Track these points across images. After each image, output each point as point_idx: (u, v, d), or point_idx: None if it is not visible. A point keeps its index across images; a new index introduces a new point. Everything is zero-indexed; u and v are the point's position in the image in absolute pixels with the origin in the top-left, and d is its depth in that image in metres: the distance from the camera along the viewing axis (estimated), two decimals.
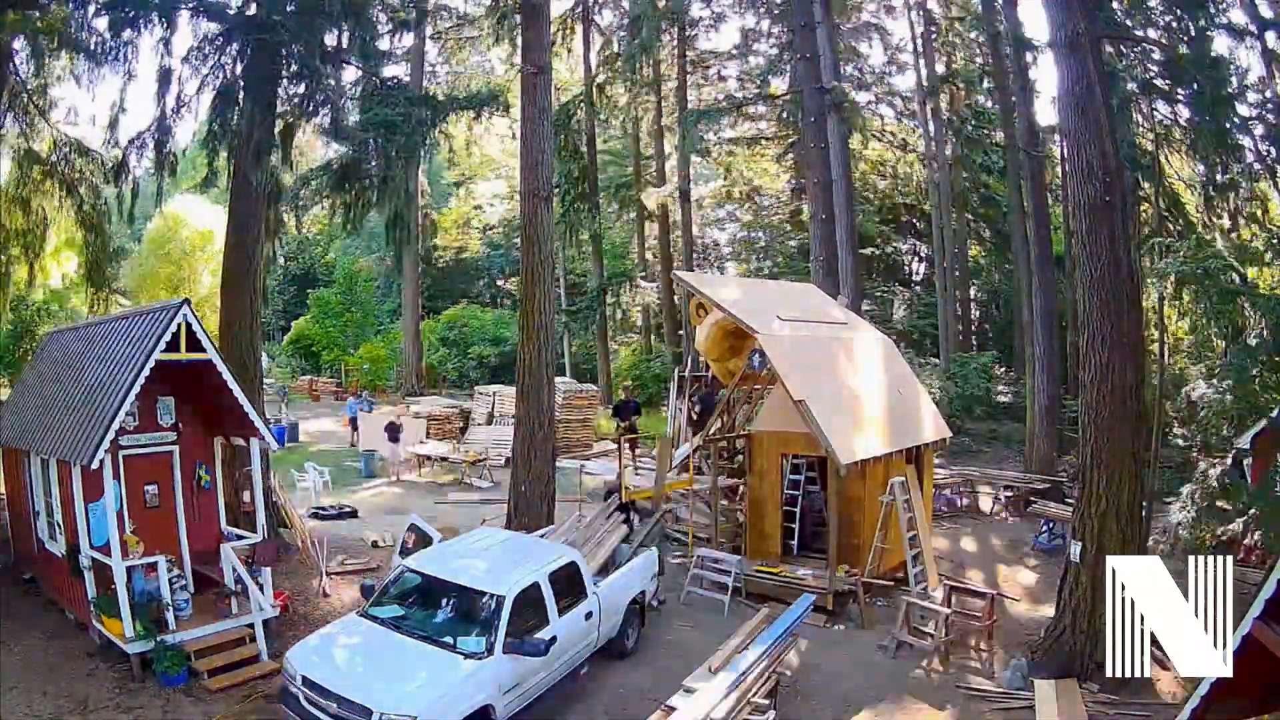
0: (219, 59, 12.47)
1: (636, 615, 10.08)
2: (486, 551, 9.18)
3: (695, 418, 17.36)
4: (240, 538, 10.23)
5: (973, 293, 35.60)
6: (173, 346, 9.24)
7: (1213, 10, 13.68)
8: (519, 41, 14.62)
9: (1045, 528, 14.97)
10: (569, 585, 8.74)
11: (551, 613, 8.22)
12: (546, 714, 8.19)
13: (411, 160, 13.91)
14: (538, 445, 13.01)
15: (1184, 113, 17.10)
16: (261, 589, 9.59)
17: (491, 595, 7.82)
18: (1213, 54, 12.86)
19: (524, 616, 7.89)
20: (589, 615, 8.85)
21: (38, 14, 11.61)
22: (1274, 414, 11.30)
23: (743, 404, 14.28)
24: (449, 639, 7.52)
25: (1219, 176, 15.84)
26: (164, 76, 12.65)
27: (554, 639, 7.88)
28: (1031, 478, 18.42)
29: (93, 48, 12.41)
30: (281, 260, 39.73)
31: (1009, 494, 17.67)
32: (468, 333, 38.62)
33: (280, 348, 40.81)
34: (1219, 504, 11.16)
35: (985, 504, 18.13)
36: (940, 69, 28.45)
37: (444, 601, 8.22)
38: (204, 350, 9.56)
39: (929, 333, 32.51)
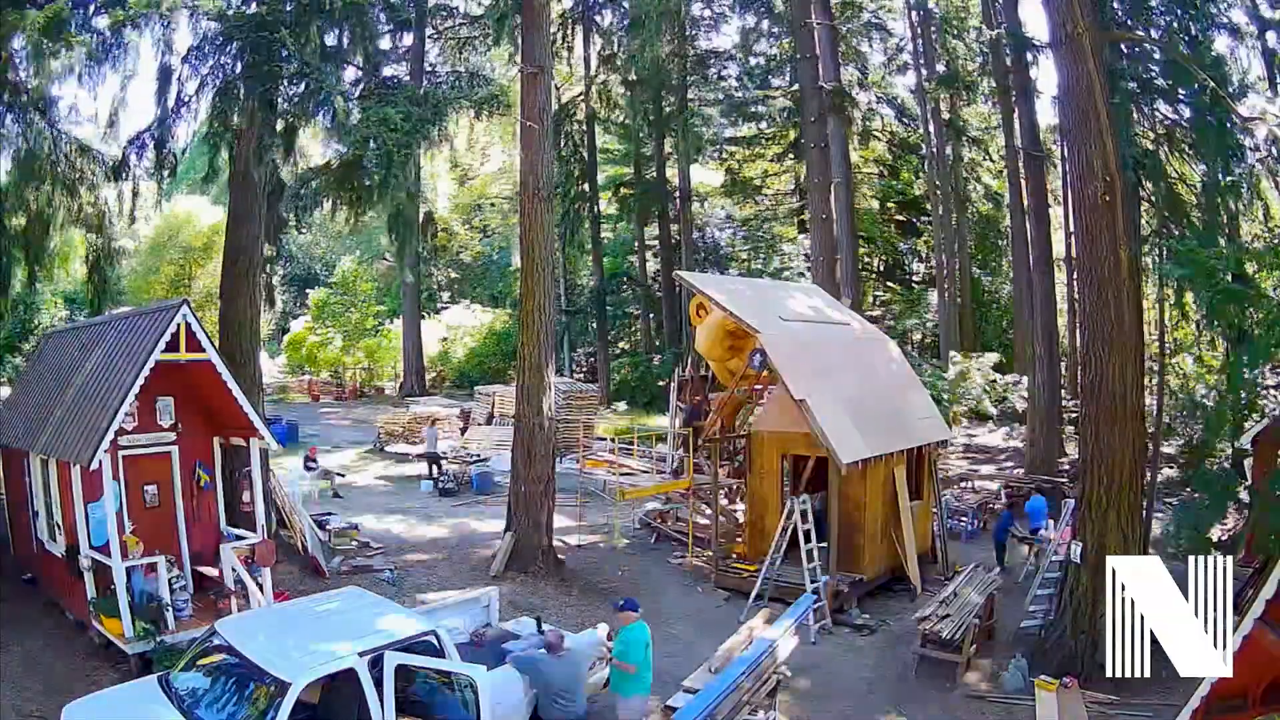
0: (219, 58, 12.47)
1: None
2: (315, 621, 7.20)
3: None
4: (240, 538, 10.22)
5: (973, 293, 35.55)
6: (172, 346, 9.24)
7: (1213, 10, 13.68)
8: (519, 41, 14.59)
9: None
10: (419, 672, 6.68)
11: (377, 711, 6.17)
12: None
13: (411, 160, 13.89)
14: (538, 446, 13.00)
15: (1185, 112, 17.10)
16: (261, 589, 9.57)
17: (274, 680, 5.97)
18: (1213, 54, 12.85)
19: (327, 712, 6.32)
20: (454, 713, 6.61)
21: (37, 12, 11.58)
22: (1275, 414, 11.30)
23: (742, 405, 14.28)
24: None
25: (1220, 176, 15.82)
26: (164, 75, 12.66)
27: None
28: (1032, 478, 18.41)
29: (93, 46, 12.39)
30: (282, 260, 39.66)
31: (1010, 494, 17.65)
32: (467, 333, 38.62)
33: (280, 348, 40.83)
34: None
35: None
36: (941, 69, 28.44)
37: (236, 680, 6.43)
38: (203, 350, 9.56)
39: (929, 333, 32.50)
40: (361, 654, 6.32)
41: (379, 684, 6.20)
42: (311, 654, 6.28)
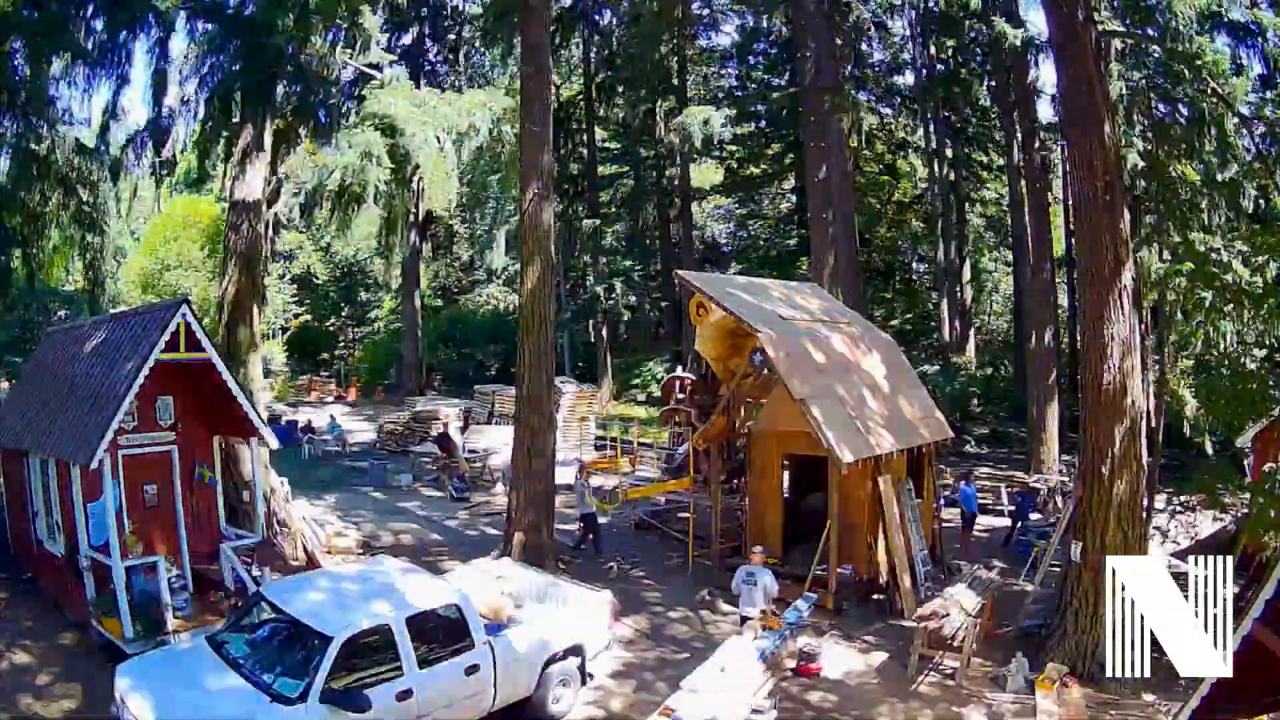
0: (217, 59, 12.48)
1: (569, 675, 8.39)
2: (352, 584, 7.99)
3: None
4: (239, 537, 10.23)
5: (973, 292, 35.57)
6: (172, 346, 9.25)
7: (1215, 8, 13.68)
8: (519, 41, 14.60)
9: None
10: (444, 632, 7.48)
11: (408, 662, 7.05)
12: None
13: (409, 160, 13.93)
14: (537, 445, 12.99)
15: (1184, 111, 17.09)
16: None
17: (319, 635, 6.79)
18: (1213, 53, 12.86)
19: (364, 664, 6.89)
20: (473, 669, 7.47)
21: (37, 14, 11.59)
22: (1275, 414, 11.30)
23: (742, 404, 14.26)
24: (268, 678, 6.69)
25: (1219, 175, 15.83)
26: (161, 76, 12.66)
27: (407, 692, 6.93)
28: (1032, 477, 18.41)
29: (91, 47, 12.39)
30: (281, 260, 39.68)
31: (1012, 494, 17.66)
32: (467, 332, 38.61)
33: (279, 347, 40.81)
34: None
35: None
36: (941, 68, 28.42)
37: (281, 637, 7.26)
38: (203, 350, 9.57)
39: (929, 332, 32.49)
40: (394, 612, 7.17)
41: (423, 638, 7.16)
42: (350, 613, 7.09)
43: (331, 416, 25.37)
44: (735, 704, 7.41)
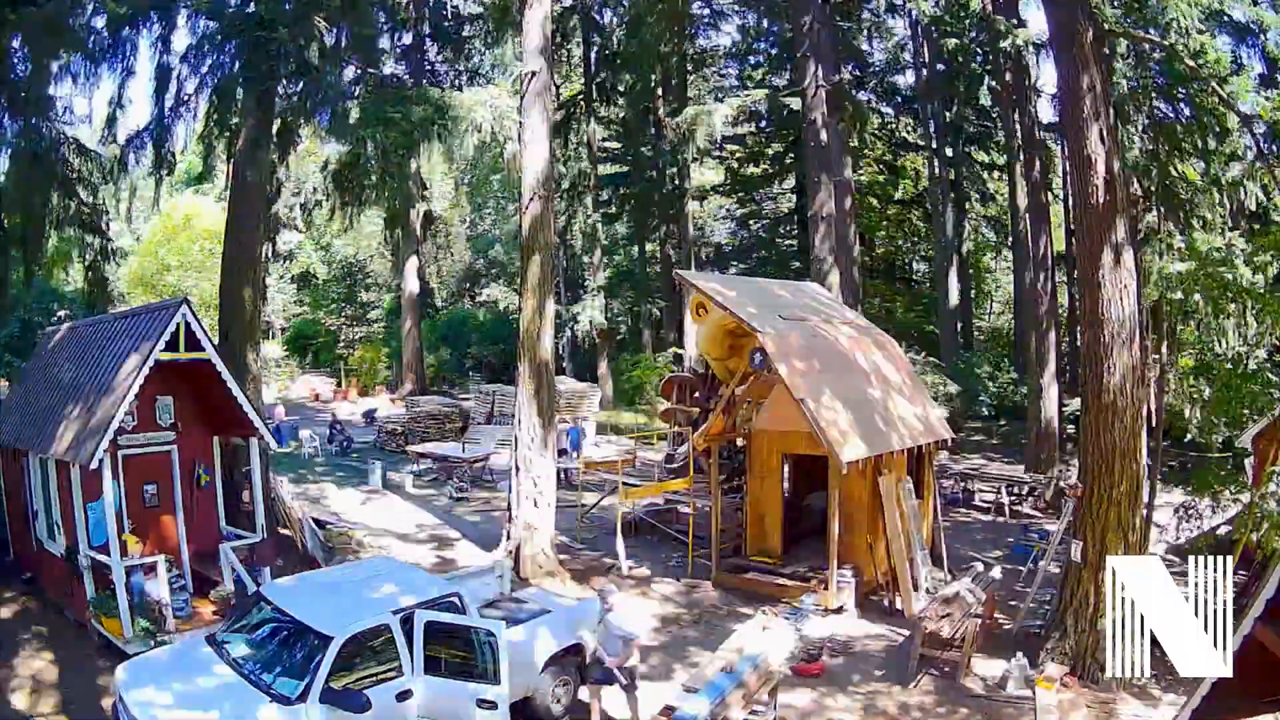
0: (218, 57, 12.47)
1: (568, 674, 8.47)
2: (352, 583, 8.03)
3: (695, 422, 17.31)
4: (239, 537, 10.23)
5: (974, 291, 35.53)
6: (172, 346, 9.26)
7: (1217, 7, 13.66)
8: (519, 40, 14.56)
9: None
10: (446, 631, 7.31)
11: (407, 662, 7.05)
12: None
13: (410, 158, 13.90)
14: (537, 444, 12.98)
15: (1184, 111, 17.09)
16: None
17: (319, 635, 6.79)
18: (1214, 52, 12.84)
19: (364, 663, 6.91)
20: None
21: (35, 12, 11.57)
22: (1276, 413, 11.29)
23: (742, 404, 14.25)
24: (268, 678, 6.71)
25: (1220, 174, 15.82)
26: (162, 75, 12.64)
27: (407, 693, 6.95)
28: (1032, 477, 18.42)
29: (91, 46, 12.39)
30: (281, 260, 39.67)
31: (1012, 493, 17.67)
32: (467, 332, 38.60)
33: (280, 346, 40.84)
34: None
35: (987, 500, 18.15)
36: (941, 67, 28.40)
37: (281, 637, 7.23)
38: (203, 349, 9.57)
39: (930, 332, 32.47)
40: (395, 612, 7.14)
41: (409, 639, 7.07)
42: (351, 613, 7.06)
43: (373, 415, 26.13)
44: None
